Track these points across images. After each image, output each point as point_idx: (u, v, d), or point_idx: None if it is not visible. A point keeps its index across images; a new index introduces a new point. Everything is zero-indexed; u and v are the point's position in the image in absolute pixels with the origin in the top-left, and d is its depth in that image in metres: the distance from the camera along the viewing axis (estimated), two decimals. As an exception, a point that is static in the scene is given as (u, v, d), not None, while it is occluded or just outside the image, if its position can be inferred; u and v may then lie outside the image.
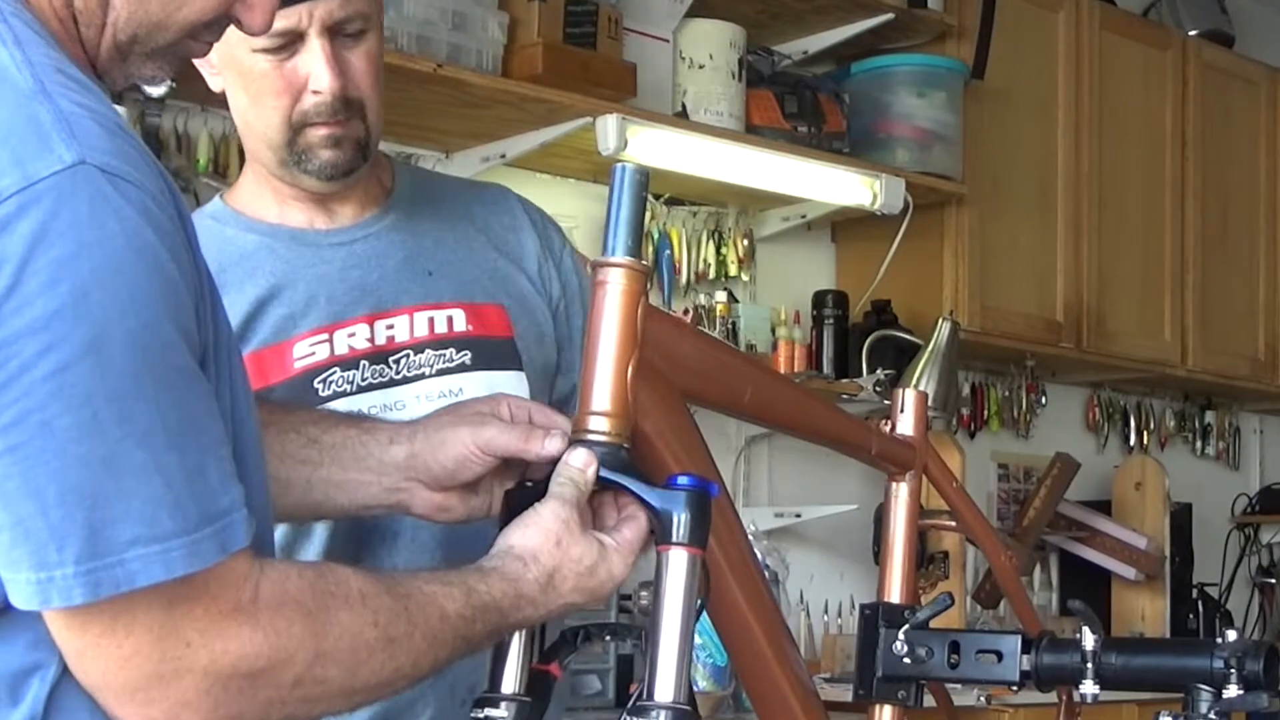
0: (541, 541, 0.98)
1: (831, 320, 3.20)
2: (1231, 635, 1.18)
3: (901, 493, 1.40)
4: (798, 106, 2.97)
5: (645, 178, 1.08)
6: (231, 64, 1.37)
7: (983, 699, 2.90)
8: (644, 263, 1.08)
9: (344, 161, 1.39)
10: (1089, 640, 1.20)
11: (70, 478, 0.78)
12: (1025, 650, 1.23)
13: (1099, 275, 3.51)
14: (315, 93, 1.36)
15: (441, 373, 1.41)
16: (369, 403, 1.37)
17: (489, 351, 1.42)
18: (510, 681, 1.01)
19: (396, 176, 1.49)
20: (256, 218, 1.43)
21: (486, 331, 1.43)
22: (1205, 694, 1.17)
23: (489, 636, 0.97)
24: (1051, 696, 1.39)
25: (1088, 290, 3.48)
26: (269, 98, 1.36)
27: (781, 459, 3.30)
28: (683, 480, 1.02)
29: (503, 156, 2.70)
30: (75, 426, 0.77)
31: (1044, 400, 3.77)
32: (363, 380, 1.38)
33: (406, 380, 1.40)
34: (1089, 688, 1.20)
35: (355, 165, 1.40)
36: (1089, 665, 1.20)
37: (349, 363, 1.38)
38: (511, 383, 1.41)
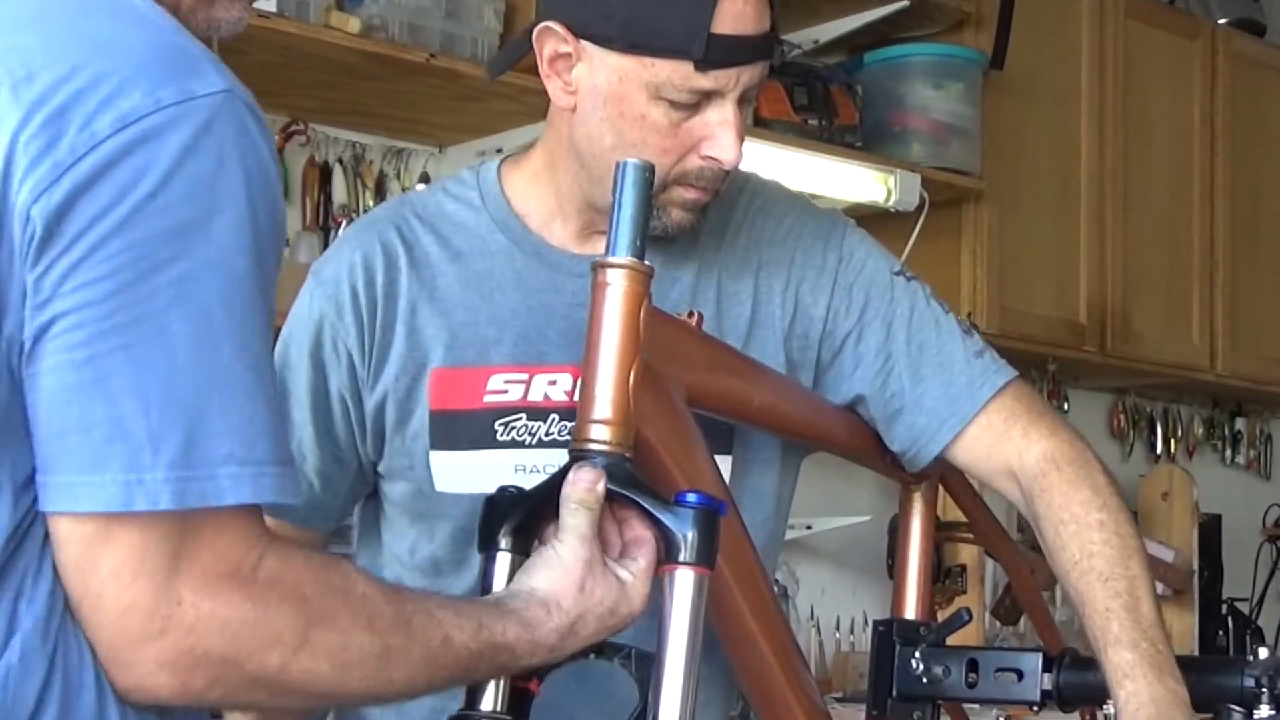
0: (565, 586, 0.98)
1: (844, 321, 3.15)
2: (1263, 653, 1.19)
3: (917, 503, 1.39)
4: (808, 98, 2.91)
5: (650, 173, 1.07)
6: (616, 101, 1.22)
7: (1002, 719, 2.85)
8: (647, 263, 1.06)
9: (691, 225, 1.26)
10: (1114, 659, 1.17)
11: (176, 385, 0.79)
12: (1047, 668, 1.23)
13: (1123, 275, 3.45)
14: (711, 159, 1.23)
15: None
16: (545, 460, 1.24)
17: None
18: (489, 699, 0.99)
19: None
20: (520, 213, 1.31)
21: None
22: (1236, 714, 1.17)
23: (495, 673, 0.97)
24: (1074, 717, 1.37)
25: (1112, 291, 3.42)
26: (652, 151, 1.20)
27: (792, 466, 3.27)
28: (691, 498, 1.02)
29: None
30: (191, 335, 0.80)
31: (1066, 406, 3.71)
32: (546, 435, 1.25)
33: None
34: (1113, 708, 1.18)
35: (695, 228, 1.27)
36: (1114, 685, 1.17)
37: (537, 412, 1.26)
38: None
